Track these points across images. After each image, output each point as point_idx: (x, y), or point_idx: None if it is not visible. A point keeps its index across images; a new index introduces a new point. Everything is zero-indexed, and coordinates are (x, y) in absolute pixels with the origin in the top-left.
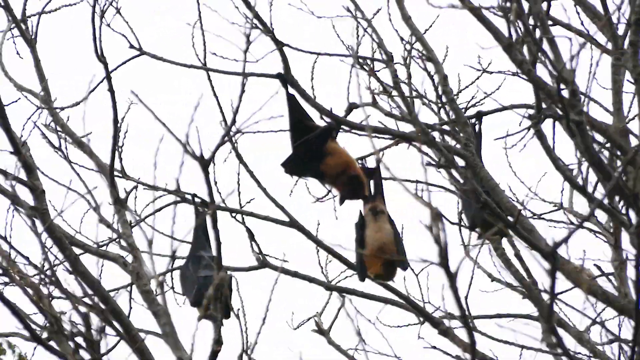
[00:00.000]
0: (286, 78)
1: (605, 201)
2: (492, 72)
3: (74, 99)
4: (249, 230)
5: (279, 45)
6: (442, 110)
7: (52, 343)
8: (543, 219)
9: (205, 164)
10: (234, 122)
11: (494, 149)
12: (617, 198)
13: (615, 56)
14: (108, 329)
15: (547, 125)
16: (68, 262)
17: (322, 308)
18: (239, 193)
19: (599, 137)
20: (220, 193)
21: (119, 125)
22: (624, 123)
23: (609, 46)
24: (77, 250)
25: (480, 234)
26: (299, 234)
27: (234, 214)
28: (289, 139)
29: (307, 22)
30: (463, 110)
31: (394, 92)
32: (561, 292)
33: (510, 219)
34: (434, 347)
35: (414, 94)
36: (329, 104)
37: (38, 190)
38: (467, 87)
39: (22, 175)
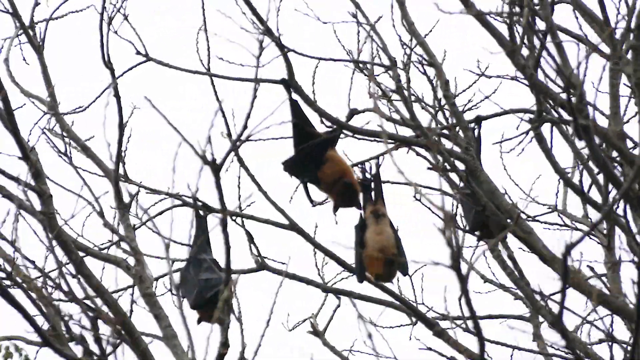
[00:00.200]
0: (290, 83)
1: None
2: (490, 77)
3: (79, 103)
4: (248, 233)
5: (284, 50)
6: (439, 114)
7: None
8: (537, 221)
9: (217, 168)
10: (245, 127)
11: (489, 152)
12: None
13: (613, 61)
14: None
15: (544, 130)
16: (74, 265)
17: (317, 309)
18: (239, 196)
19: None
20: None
21: (124, 130)
22: (621, 127)
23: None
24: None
25: (480, 238)
26: (296, 237)
27: (233, 217)
28: (293, 142)
29: (312, 26)
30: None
31: (396, 97)
32: (554, 293)
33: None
34: (430, 349)
35: (413, 98)
36: (335, 109)
37: (45, 195)
38: (464, 91)
39: (27, 178)
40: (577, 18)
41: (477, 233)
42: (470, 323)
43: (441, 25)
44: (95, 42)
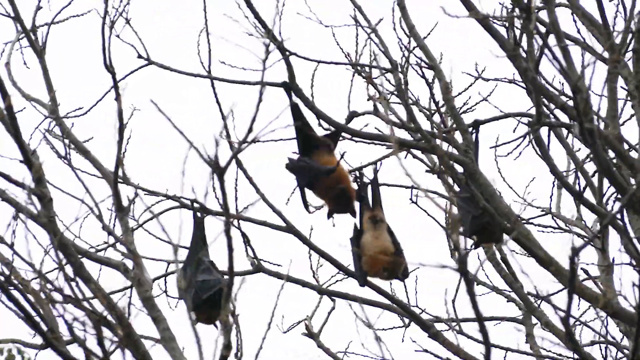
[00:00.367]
0: (291, 86)
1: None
2: (488, 79)
3: (79, 105)
4: (244, 235)
5: (285, 54)
6: (435, 117)
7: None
8: (532, 223)
9: (221, 171)
10: (250, 130)
11: (484, 156)
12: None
13: (612, 64)
14: (111, 335)
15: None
16: (73, 268)
17: (312, 311)
18: (236, 198)
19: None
20: (217, 198)
21: (124, 134)
22: (619, 130)
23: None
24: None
25: (477, 241)
26: (289, 239)
27: (230, 219)
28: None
29: (313, 28)
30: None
31: (396, 100)
32: (549, 295)
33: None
34: (426, 351)
35: (410, 101)
36: (336, 111)
37: (46, 198)
38: (460, 94)
39: (26, 181)
40: (575, 22)
41: (473, 237)
42: (475, 326)
43: (438, 28)
44: (97, 45)
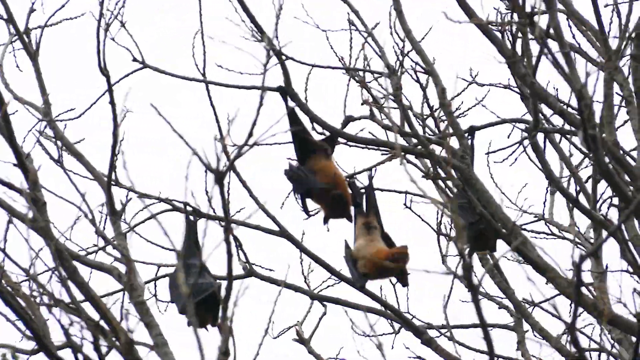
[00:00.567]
0: (287, 91)
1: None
2: (482, 85)
3: (72, 107)
4: (236, 239)
5: (281, 58)
6: (429, 122)
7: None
8: (525, 230)
9: (220, 176)
10: (250, 134)
11: (477, 161)
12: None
13: (608, 70)
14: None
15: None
16: (67, 273)
17: (303, 317)
18: (229, 202)
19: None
20: (210, 202)
21: (118, 137)
22: (615, 136)
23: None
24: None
25: (472, 249)
26: (285, 244)
27: (222, 223)
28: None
29: (310, 32)
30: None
31: (394, 104)
32: (542, 302)
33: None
34: (419, 357)
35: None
36: (332, 116)
37: (40, 202)
38: (453, 98)
39: (18, 184)
40: (570, 27)
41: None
42: (480, 332)
43: (431, 33)
44: (91, 48)
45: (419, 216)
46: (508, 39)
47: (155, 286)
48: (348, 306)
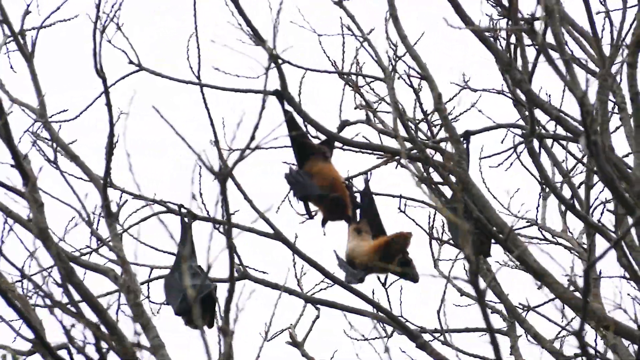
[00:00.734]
0: (284, 95)
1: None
2: (475, 90)
3: (69, 112)
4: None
5: (278, 62)
6: (422, 126)
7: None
8: (518, 234)
9: (223, 178)
10: (252, 137)
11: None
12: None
13: (602, 77)
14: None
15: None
16: (64, 274)
17: (296, 320)
18: (222, 204)
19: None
20: (204, 204)
21: (113, 140)
22: (610, 142)
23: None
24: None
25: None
26: (279, 246)
27: (217, 225)
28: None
29: (306, 36)
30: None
31: (382, 108)
32: (537, 306)
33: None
34: None
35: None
36: (329, 120)
37: (37, 203)
38: (445, 103)
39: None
40: (563, 34)
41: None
42: (476, 336)
43: (427, 39)
44: (86, 50)
45: (413, 220)
46: (500, 44)
47: (149, 288)
48: (340, 309)
